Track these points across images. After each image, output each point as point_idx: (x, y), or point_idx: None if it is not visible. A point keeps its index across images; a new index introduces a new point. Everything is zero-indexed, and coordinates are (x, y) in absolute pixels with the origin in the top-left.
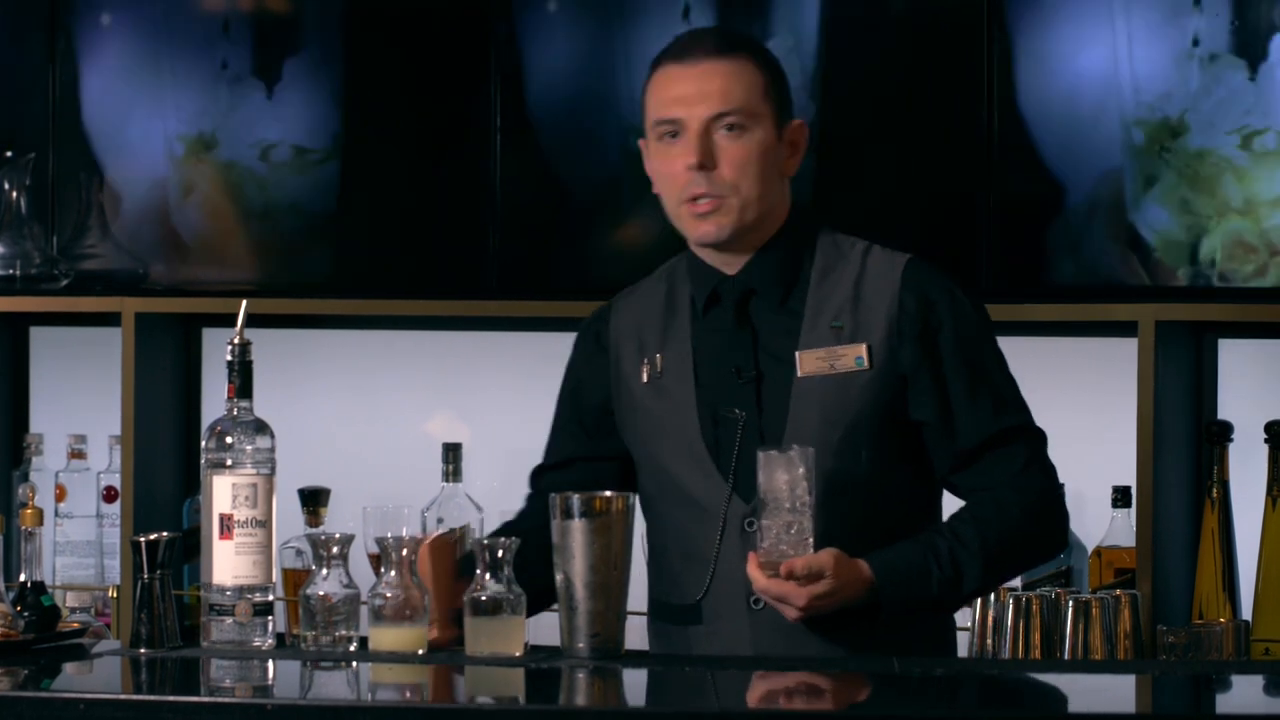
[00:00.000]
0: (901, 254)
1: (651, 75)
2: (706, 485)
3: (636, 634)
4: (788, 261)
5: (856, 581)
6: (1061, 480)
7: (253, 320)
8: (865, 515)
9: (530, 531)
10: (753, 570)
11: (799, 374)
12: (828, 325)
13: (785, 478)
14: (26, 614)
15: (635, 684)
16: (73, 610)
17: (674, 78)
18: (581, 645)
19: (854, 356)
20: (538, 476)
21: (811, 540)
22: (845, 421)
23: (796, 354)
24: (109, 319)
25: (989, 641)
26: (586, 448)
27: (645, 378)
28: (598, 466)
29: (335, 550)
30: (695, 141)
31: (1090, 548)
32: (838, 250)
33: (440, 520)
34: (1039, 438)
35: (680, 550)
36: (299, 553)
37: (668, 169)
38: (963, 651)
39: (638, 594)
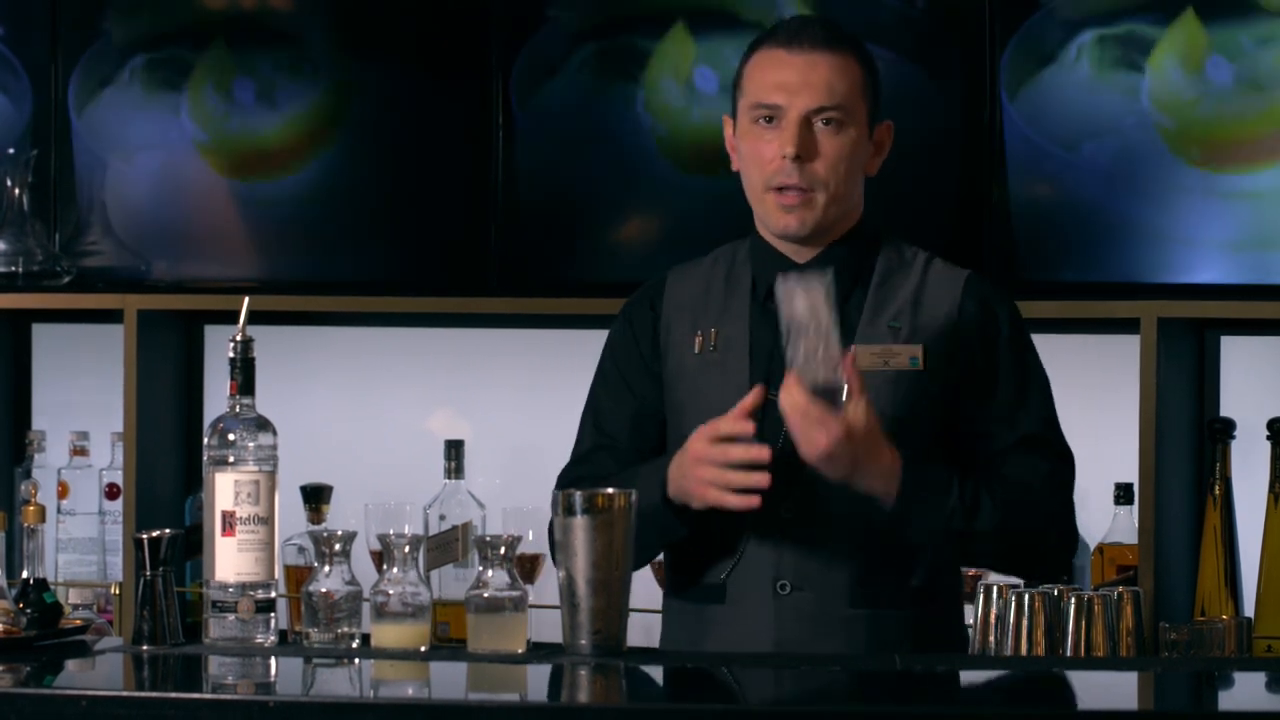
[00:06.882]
0: (962, 269)
1: (753, 55)
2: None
3: (639, 630)
4: (856, 259)
5: (885, 460)
6: None
7: (255, 317)
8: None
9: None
10: (793, 391)
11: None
12: (885, 324)
13: (804, 302)
14: (29, 611)
15: (637, 681)
16: (75, 607)
17: (779, 63)
18: (583, 642)
19: (909, 356)
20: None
21: (839, 364)
22: (893, 419)
23: (852, 348)
24: (111, 316)
25: (991, 638)
26: (640, 407)
27: (697, 349)
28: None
29: (337, 547)
30: (794, 132)
31: (1092, 545)
32: (900, 256)
33: (442, 517)
34: (1070, 464)
35: (708, 527)
36: (301, 550)
37: (759, 153)
38: None
39: (639, 591)
